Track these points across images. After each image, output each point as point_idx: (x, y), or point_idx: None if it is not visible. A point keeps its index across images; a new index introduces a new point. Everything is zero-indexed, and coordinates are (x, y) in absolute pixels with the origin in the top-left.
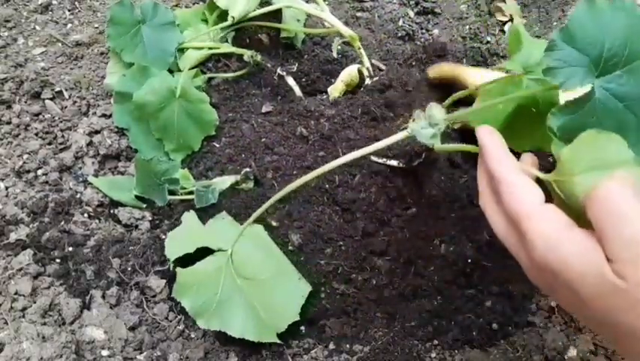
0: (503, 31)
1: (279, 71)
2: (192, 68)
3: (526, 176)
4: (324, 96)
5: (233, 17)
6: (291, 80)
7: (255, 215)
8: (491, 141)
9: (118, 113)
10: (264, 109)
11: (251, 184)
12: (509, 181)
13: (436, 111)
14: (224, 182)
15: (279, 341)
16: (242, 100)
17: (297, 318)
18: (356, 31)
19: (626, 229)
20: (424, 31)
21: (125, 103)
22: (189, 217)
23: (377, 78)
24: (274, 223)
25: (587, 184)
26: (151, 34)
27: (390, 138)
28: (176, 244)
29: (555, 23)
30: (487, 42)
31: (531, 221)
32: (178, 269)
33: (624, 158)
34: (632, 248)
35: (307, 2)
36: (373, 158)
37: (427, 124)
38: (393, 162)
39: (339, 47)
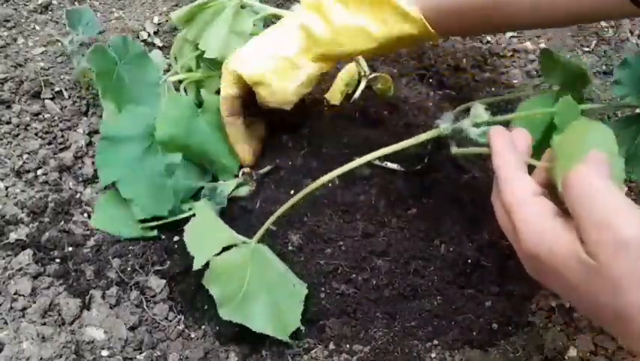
0: None
1: None
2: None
3: (522, 171)
4: (322, 99)
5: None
6: None
7: (278, 212)
8: (497, 141)
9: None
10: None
11: (252, 186)
12: (504, 176)
13: (482, 111)
14: (228, 185)
15: (290, 341)
16: None
17: (299, 325)
18: None
19: (596, 211)
20: None
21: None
22: (202, 207)
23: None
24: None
25: (565, 170)
26: (129, 72)
27: (415, 137)
28: (198, 243)
29: None
30: (488, 42)
31: (519, 211)
32: (211, 257)
33: (608, 147)
34: (601, 231)
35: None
36: (375, 161)
37: (472, 123)
38: (394, 166)
39: None
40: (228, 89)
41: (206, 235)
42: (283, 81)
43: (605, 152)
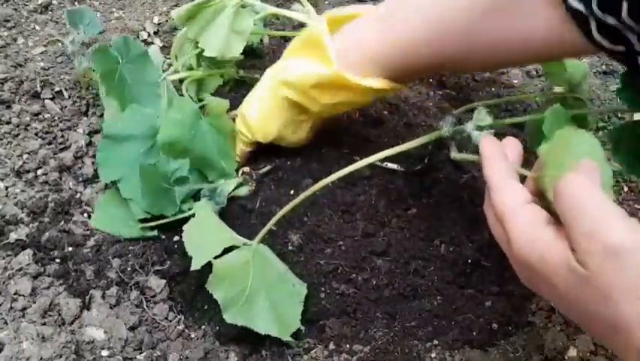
0: None
1: None
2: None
3: (513, 179)
4: None
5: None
6: None
7: (279, 214)
8: (488, 149)
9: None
10: None
11: (251, 185)
12: (495, 185)
13: (484, 115)
14: (229, 184)
15: (290, 339)
16: (230, 105)
17: (299, 325)
18: None
19: (586, 220)
20: None
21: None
22: (201, 207)
23: None
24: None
25: (555, 179)
26: (131, 72)
27: (417, 140)
28: (197, 244)
29: None
30: None
31: (510, 220)
32: (213, 261)
33: (595, 156)
34: (590, 240)
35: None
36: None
37: (475, 126)
38: (394, 166)
39: None
40: (245, 148)
41: (205, 235)
42: (297, 134)
43: (591, 159)
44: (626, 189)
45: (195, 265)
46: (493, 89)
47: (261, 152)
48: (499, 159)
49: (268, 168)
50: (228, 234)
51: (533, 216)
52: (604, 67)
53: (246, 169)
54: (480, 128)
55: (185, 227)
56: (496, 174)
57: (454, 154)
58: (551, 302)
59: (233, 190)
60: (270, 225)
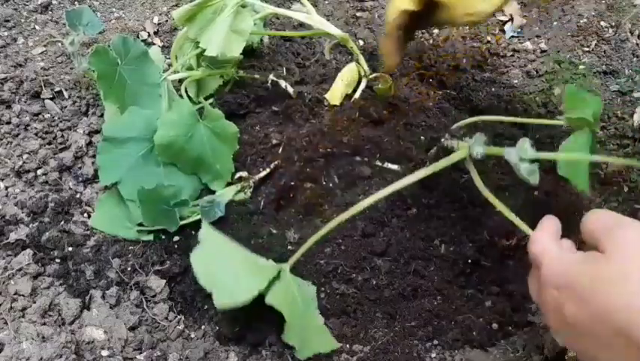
0: (503, 31)
1: (271, 77)
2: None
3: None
4: (322, 98)
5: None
6: (283, 83)
7: (311, 241)
8: (545, 221)
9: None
10: (260, 114)
11: (249, 190)
12: (536, 238)
13: (528, 147)
14: (226, 194)
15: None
16: (229, 105)
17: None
18: (356, 31)
19: (608, 223)
20: (424, 30)
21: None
22: (207, 232)
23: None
24: (273, 228)
25: None
26: (131, 72)
27: (447, 159)
28: (218, 279)
29: (555, 23)
30: (488, 42)
31: (544, 251)
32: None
33: None
34: (611, 231)
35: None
36: (377, 162)
37: (520, 158)
38: (394, 166)
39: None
40: (407, 4)
41: (224, 267)
42: None
43: None
44: (626, 189)
45: (221, 305)
46: (493, 89)
47: (258, 155)
48: (548, 228)
49: (267, 171)
50: (253, 260)
51: (565, 248)
52: (604, 67)
53: (244, 174)
54: (522, 160)
55: (192, 259)
56: (540, 233)
57: (480, 185)
58: (577, 328)
59: (237, 194)
60: (306, 246)
